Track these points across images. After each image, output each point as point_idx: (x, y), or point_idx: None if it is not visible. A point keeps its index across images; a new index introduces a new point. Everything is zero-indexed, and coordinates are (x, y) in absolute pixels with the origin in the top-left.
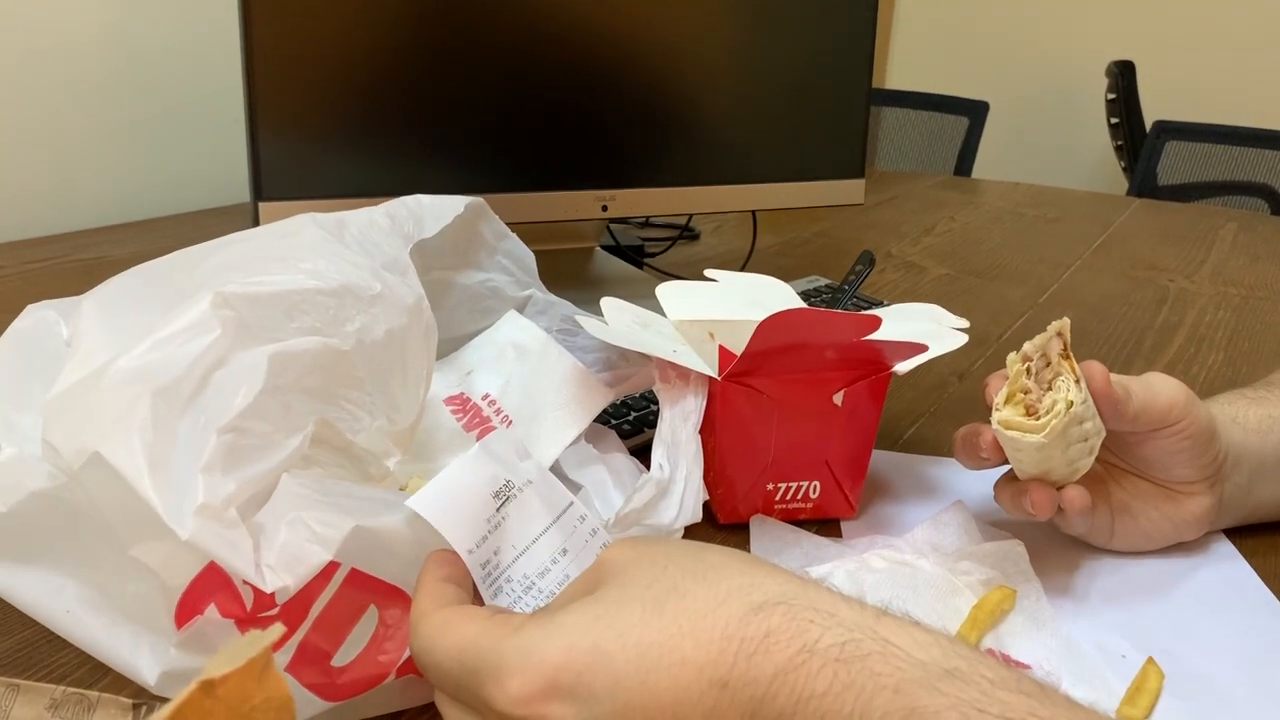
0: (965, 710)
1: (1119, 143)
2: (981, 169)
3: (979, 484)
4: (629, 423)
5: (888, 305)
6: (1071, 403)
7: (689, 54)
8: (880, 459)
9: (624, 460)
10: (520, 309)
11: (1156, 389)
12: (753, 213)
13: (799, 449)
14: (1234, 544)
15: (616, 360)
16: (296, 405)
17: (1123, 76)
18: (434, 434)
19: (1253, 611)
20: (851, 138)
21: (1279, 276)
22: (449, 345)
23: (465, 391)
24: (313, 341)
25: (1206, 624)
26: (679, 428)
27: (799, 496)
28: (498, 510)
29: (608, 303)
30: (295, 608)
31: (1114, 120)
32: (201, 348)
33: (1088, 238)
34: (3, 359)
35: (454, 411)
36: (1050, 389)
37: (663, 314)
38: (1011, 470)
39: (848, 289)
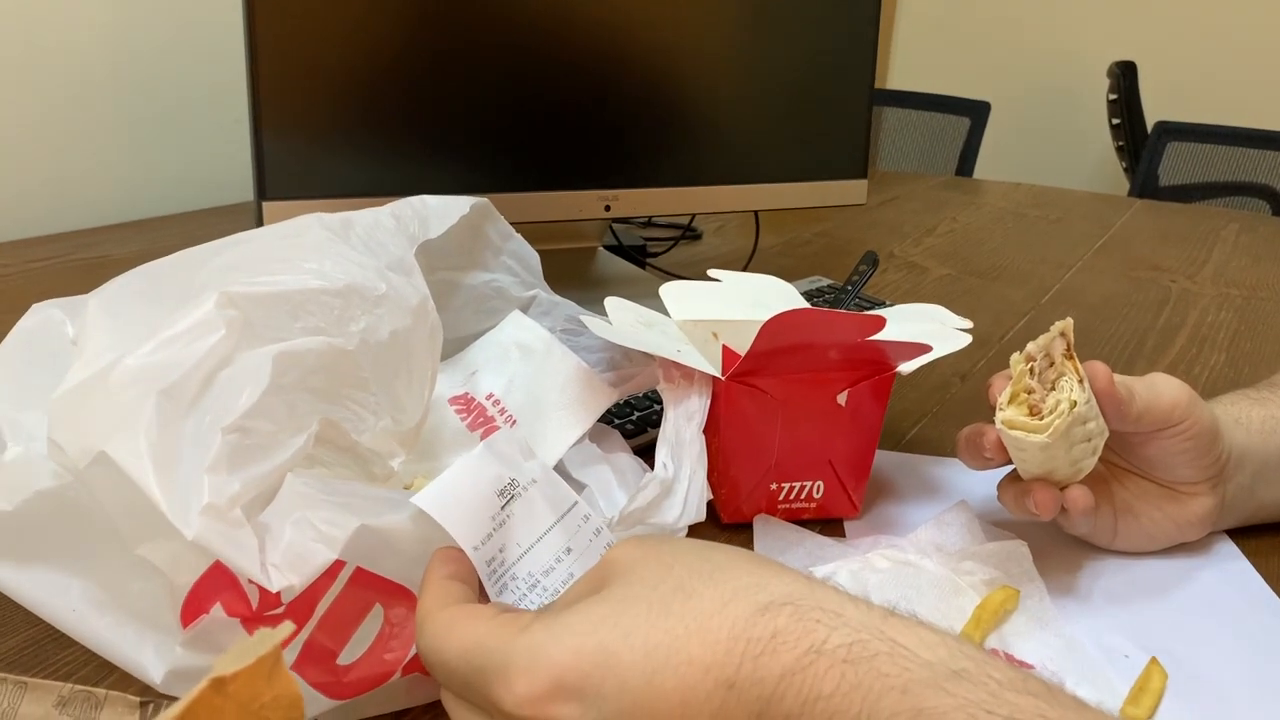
0: (973, 711)
1: (1120, 143)
2: (983, 169)
3: (982, 484)
4: (632, 422)
5: (890, 306)
6: (1075, 403)
7: (692, 54)
8: (883, 459)
9: (628, 460)
10: (525, 309)
11: (1160, 389)
12: (755, 213)
13: (803, 449)
14: (1236, 544)
15: (620, 360)
16: (301, 405)
17: (1124, 77)
18: (438, 434)
19: (1255, 612)
20: (854, 138)
21: None
22: (454, 345)
23: (469, 391)
24: (317, 341)
25: (1209, 624)
26: (683, 427)
27: (802, 496)
28: (502, 508)
29: (612, 302)
30: (301, 606)
31: (1115, 121)
32: (206, 347)
33: (1089, 238)
34: (8, 358)
35: (458, 411)
36: (1054, 389)
37: (666, 314)
38: (1015, 470)
39: (851, 289)
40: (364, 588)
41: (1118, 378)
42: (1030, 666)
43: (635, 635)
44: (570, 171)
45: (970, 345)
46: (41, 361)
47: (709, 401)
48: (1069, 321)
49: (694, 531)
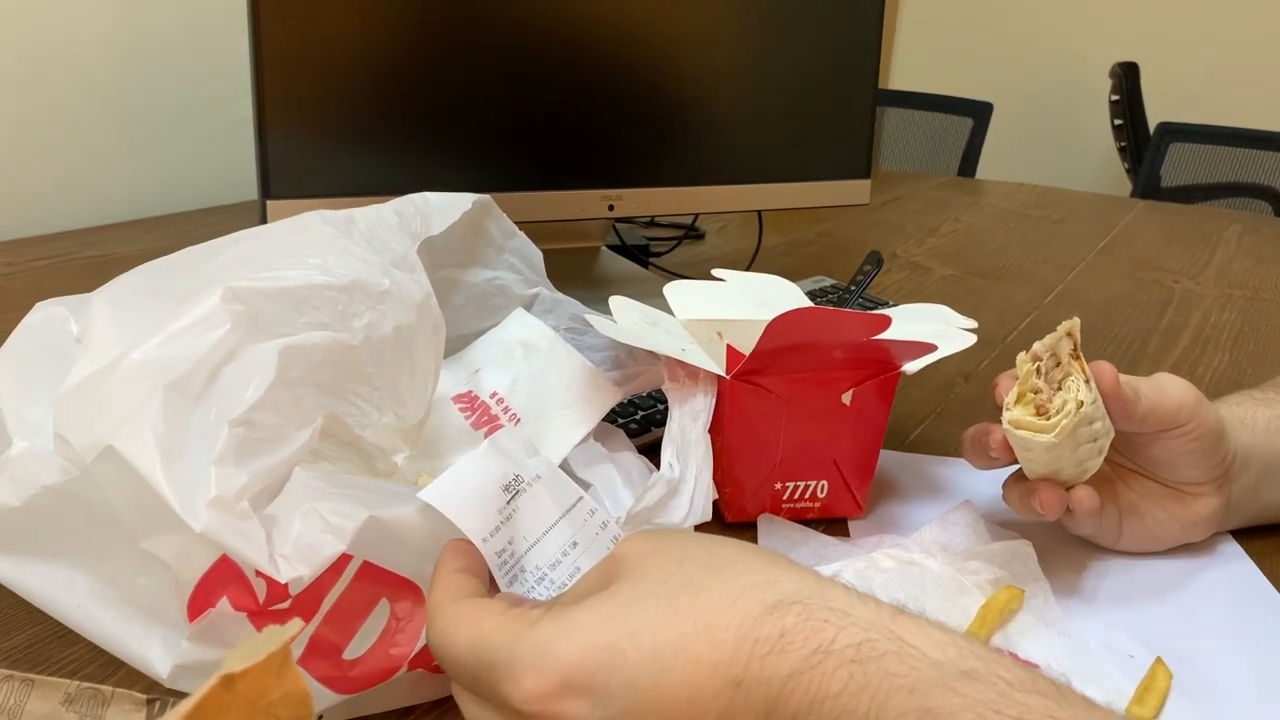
0: (981, 711)
1: (1123, 144)
2: (985, 170)
3: (986, 484)
4: (636, 422)
5: (894, 306)
6: (1082, 403)
7: (696, 54)
8: (887, 459)
9: (633, 459)
10: (528, 307)
11: (1165, 390)
12: (758, 213)
13: (807, 448)
14: (1241, 545)
15: (624, 359)
16: (306, 399)
17: (1127, 78)
18: (442, 432)
19: (1259, 612)
20: (857, 138)
21: None
22: (456, 343)
23: (473, 389)
24: (322, 336)
25: (1213, 624)
26: (688, 427)
27: (807, 496)
28: (508, 503)
29: (616, 301)
30: (307, 601)
31: (1118, 121)
32: (212, 342)
33: (1092, 239)
34: (13, 355)
35: (462, 409)
36: (1060, 389)
37: (670, 313)
38: (1020, 470)
39: (855, 289)
40: (371, 581)
41: (1123, 378)
42: (1035, 666)
43: (643, 633)
44: (574, 171)
45: (974, 345)
46: (46, 358)
47: (714, 401)
48: (1075, 321)
49: (699, 531)
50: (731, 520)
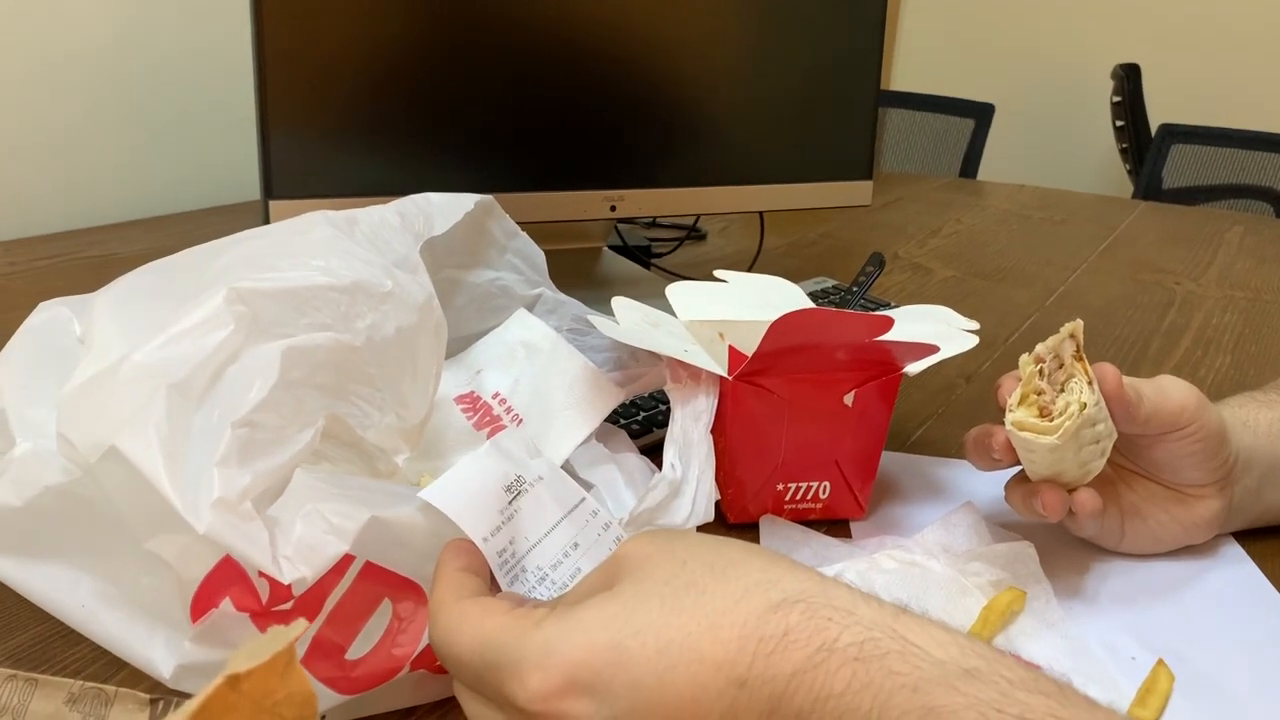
0: (983, 710)
1: (1124, 145)
2: (987, 171)
3: (988, 485)
4: (638, 422)
5: (895, 307)
6: (1085, 404)
7: (698, 55)
8: (889, 460)
9: (635, 460)
10: (530, 308)
11: (1168, 392)
12: (760, 214)
13: (809, 449)
14: (1242, 547)
15: (627, 360)
16: (308, 400)
17: (1128, 79)
18: (444, 432)
19: (1261, 614)
20: (859, 139)
21: None
22: (459, 344)
23: (475, 390)
24: (325, 337)
25: (1215, 626)
26: (690, 427)
27: (809, 497)
28: (510, 503)
29: (619, 302)
30: (310, 601)
31: (1119, 123)
32: (215, 343)
33: (1094, 240)
34: (16, 355)
35: (464, 410)
36: (1063, 391)
37: (673, 314)
38: (1023, 471)
39: (857, 290)
40: (373, 582)
41: (1126, 380)
42: (1037, 668)
43: (648, 632)
44: (576, 172)
45: (975, 347)
46: (49, 359)
47: (716, 402)
48: (1079, 323)
49: (701, 532)
50: (734, 521)
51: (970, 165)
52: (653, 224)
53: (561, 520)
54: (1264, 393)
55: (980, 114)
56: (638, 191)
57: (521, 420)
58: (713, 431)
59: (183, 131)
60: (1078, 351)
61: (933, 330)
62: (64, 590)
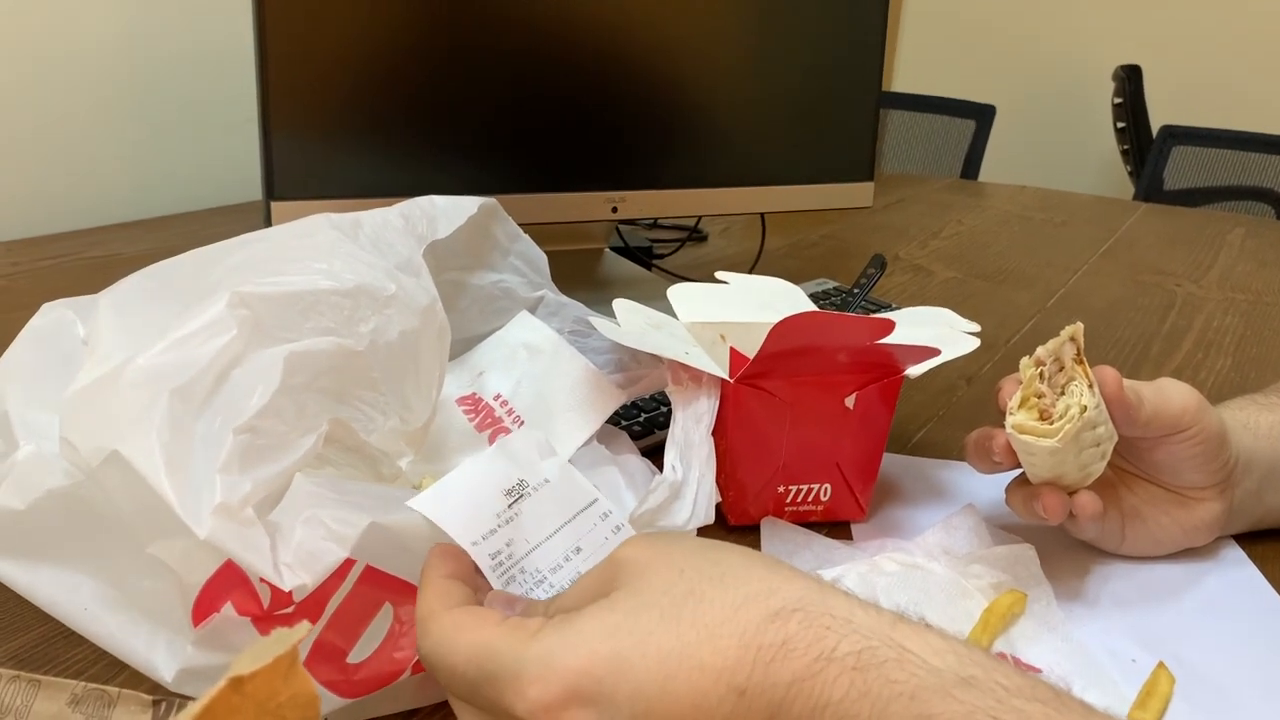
0: (980, 718)
1: (1125, 147)
2: (988, 172)
3: (989, 488)
4: (639, 424)
5: (896, 309)
6: (1085, 407)
7: (700, 57)
8: (890, 462)
9: (636, 462)
10: (532, 310)
11: (1168, 394)
12: (761, 215)
13: (810, 451)
14: (1243, 549)
15: (628, 362)
16: (311, 405)
17: (1129, 81)
18: (446, 434)
19: (1262, 616)
20: (861, 141)
21: None
22: (461, 345)
23: (477, 392)
24: (328, 342)
25: (1216, 629)
26: (691, 429)
27: (810, 499)
28: (509, 506)
29: (620, 304)
30: (311, 605)
31: (1120, 124)
32: (218, 347)
33: (1095, 242)
34: (20, 357)
35: (466, 412)
36: (1064, 393)
37: (674, 316)
38: (1023, 474)
39: (859, 292)
40: (374, 586)
41: (1127, 383)
42: (1038, 670)
43: (649, 642)
44: (578, 173)
45: (976, 349)
46: (53, 361)
47: (717, 404)
48: (1079, 326)
49: (701, 534)
50: (734, 523)
51: (971, 166)
52: (654, 225)
53: (565, 524)
54: (1264, 395)
55: (981, 115)
56: (639, 193)
57: (523, 422)
58: (714, 433)
59: (185, 132)
60: (1078, 354)
61: (934, 332)
62: (66, 593)
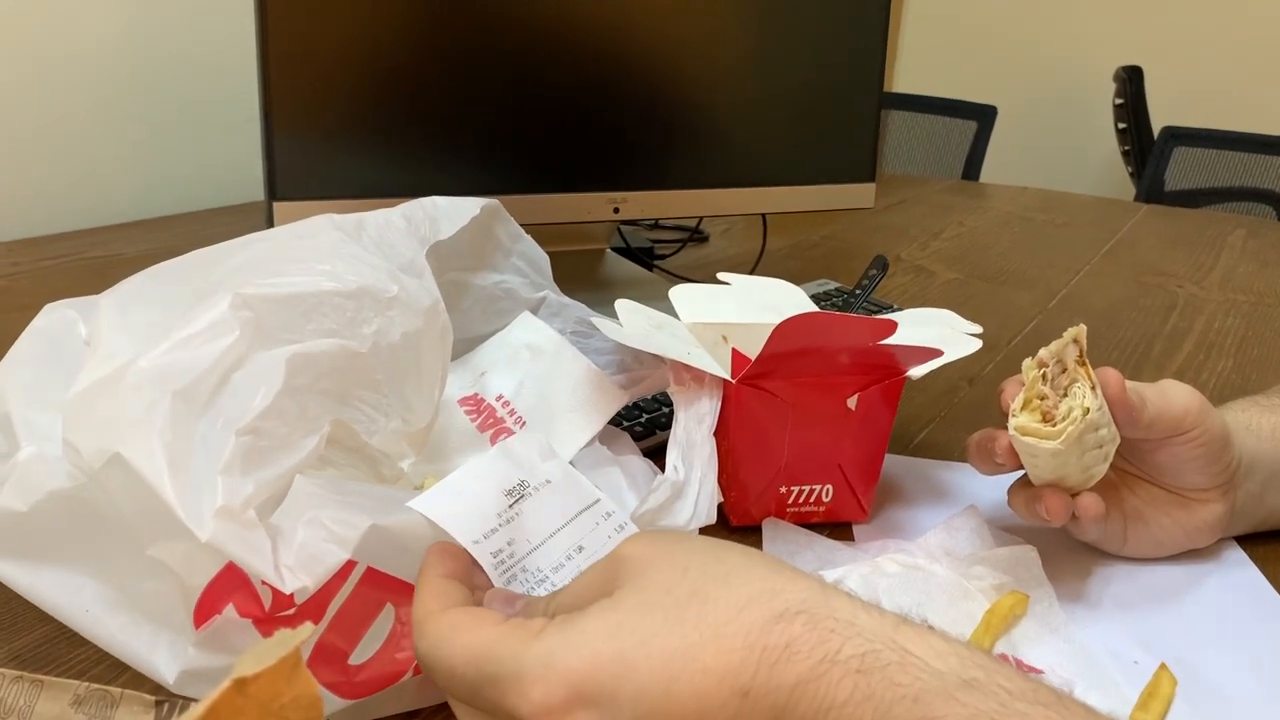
0: None
1: (1126, 148)
2: (989, 173)
3: (990, 489)
4: (641, 425)
5: (898, 310)
6: (1088, 409)
7: (701, 57)
8: (892, 463)
9: (638, 462)
10: (534, 311)
11: (1171, 396)
12: (762, 216)
13: (812, 452)
14: (1245, 551)
15: (630, 362)
16: (313, 407)
17: (1131, 82)
18: (447, 435)
19: (1263, 618)
20: (862, 141)
21: None
22: (463, 346)
23: (479, 392)
24: (330, 343)
25: (1218, 631)
26: (693, 430)
27: (812, 500)
28: (510, 507)
29: (622, 305)
30: (313, 607)
31: (1122, 125)
32: (221, 349)
33: (1096, 243)
34: (21, 358)
35: (468, 412)
36: (1066, 395)
37: (675, 316)
38: (1025, 475)
39: (861, 293)
40: (375, 587)
41: (1129, 384)
42: (1039, 672)
43: (652, 643)
44: (580, 174)
45: (978, 350)
46: (55, 361)
47: (719, 404)
48: (1082, 328)
49: (703, 534)
50: (736, 524)
51: (972, 168)
52: (655, 226)
53: (567, 524)
54: (1267, 397)
55: (983, 116)
56: (641, 193)
57: (525, 422)
58: (716, 434)
59: (187, 132)
60: (1081, 356)
61: (936, 333)
62: (68, 595)
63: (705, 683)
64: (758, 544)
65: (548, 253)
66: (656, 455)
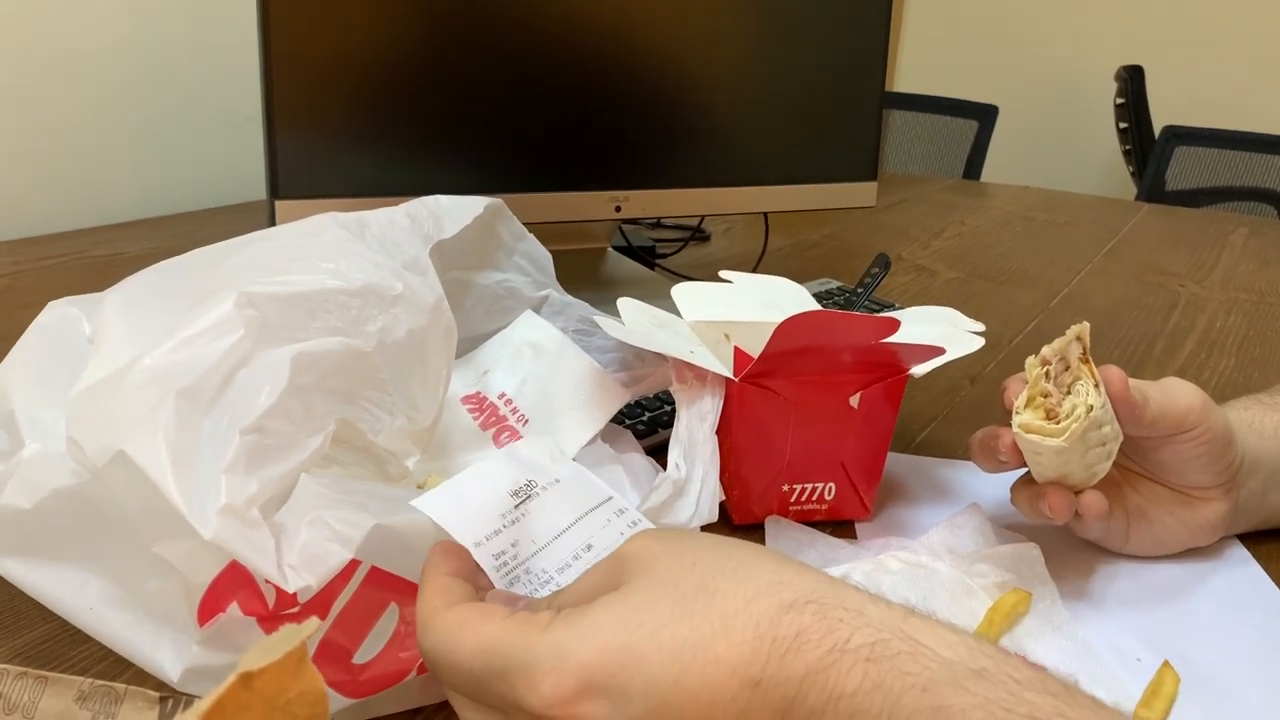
0: (992, 709)
1: (1127, 147)
2: (990, 173)
3: (993, 487)
4: (643, 423)
5: (900, 309)
6: (1091, 407)
7: (703, 56)
8: (894, 461)
9: (640, 460)
10: (537, 309)
11: (1174, 394)
12: (764, 215)
13: (815, 450)
14: (1248, 549)
15: (632, 360)
16: (318, 405)
17: (1132, 81)
18: (450, 433)
19: (1266, 616)
20: (864, 140)
21: None
22: (466, 344)
23: (482, 390)
24: (335, 342)
25: (1221, 628)
26: (695, 428)
27: (814, 498)
28: (516, 507)
29: (624, 303)
30: (317, 606)
31: (1123, 125)
32: (225, 347)
33: (1098, 242)
34: (25, 355)
35: (470, 410)
36: (1069, 393)
37: (678, 315)
38: (1028, 473)
39: (863, 291)
40: (379, 587)
41: (1132, 382)
42: (1044, 669)
43: (663, 634)
44: (582, 172)
45: (980, 348)
46: (59, 359)
47: (722, 402)
48: (1085, 326)
49: (706, 531)
50: (739, 522)
51: (974, 167)
52: (657, 225)
53: (576, 522)
54: (1269, 395)
55: (984, 115)
56: (643, 192)
57: (527, 420)
58: (718, 432)
59: (189, 131)
60: (1084, 354)
61: (938, 331)
62: (72, 592)
63: (716, 673)
64: (760, 542)
65: (550, 251)
66: (659, 453)
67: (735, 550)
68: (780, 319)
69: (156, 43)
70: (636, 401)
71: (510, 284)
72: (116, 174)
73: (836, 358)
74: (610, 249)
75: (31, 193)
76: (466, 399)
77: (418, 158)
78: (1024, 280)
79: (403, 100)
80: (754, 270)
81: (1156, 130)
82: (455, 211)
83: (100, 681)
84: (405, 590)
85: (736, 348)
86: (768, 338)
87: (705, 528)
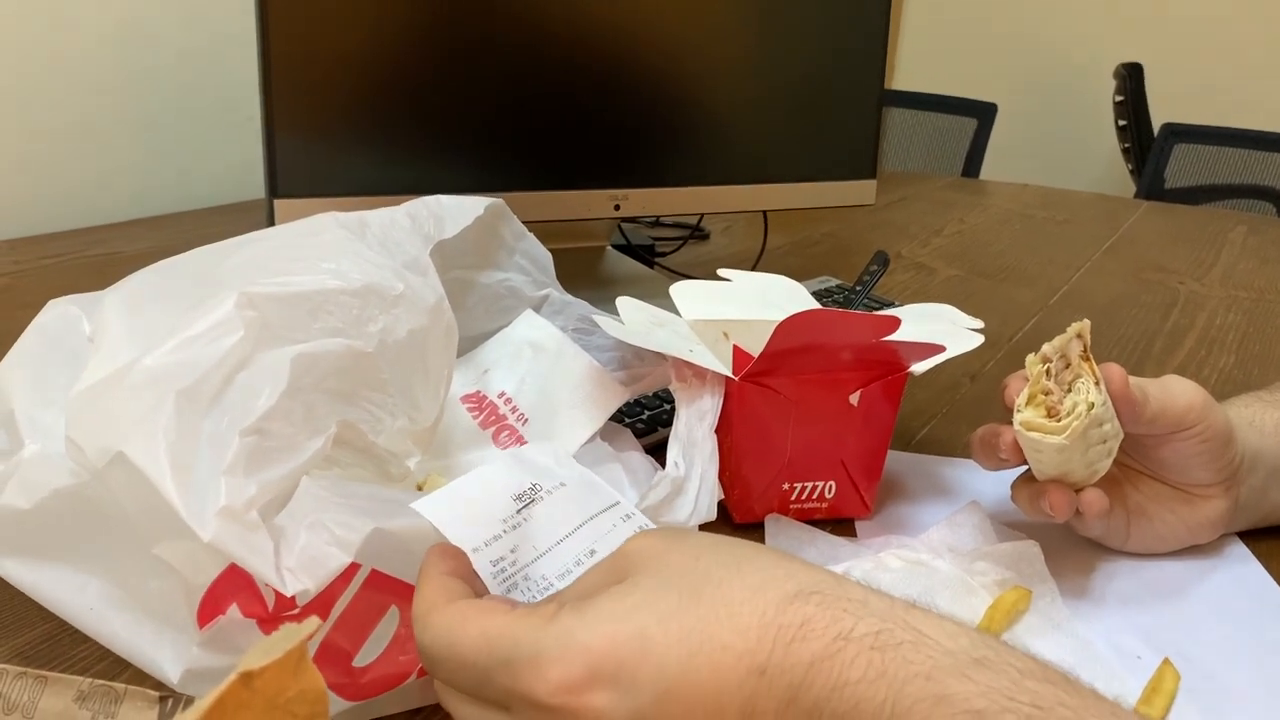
0: (994, 697)
1: (1126, 145)
2: (989, 170)
3: (993, 485)
4: (642, 421)
5: (899, 306)
6: (1092, 404)
7: (703, 55)
8: (894, 459)
9: (640, 459)
10: (537, 308)
11: (1174, 392)
12: (763, 213)
13: (815, 449)
14: (1248, 547)
15: (631, 359)
16: (319, 406)
17: (1131, 79)
18: (450, 432)
19: (1267, 613)
20: (863, 139)
21: None
22: (467, 344)
23: (482, 389)
24: (336, 343)
25: (1221, 626)
26: (695, 426)
27: (814, 496)
28: (518, 512)
29: (624, 302)
30: (317, 608)
31: (1122, 123)
32: (225, 348)
33: (1097, 240)
34: (25, 354)
35: (470, 409)
36: (1070, 390)
37: (677, 313)
38: (1029, 471)
39: (862, 289)
40: (379, 590)
41: (1132, 380)
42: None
43: (670, 622)
44: (581, 171)
45: (979, 346)
46: (59, 358)
47: (721, 401)
48: (1086, 323)
49: (706, 530)
50: (739, 521)
51: (973, 165)
52: (656, 223)
53: (580, 527)
54: (1269, 392)
55: (983, 113)
56: (642, 191)
57: (527, 419)
58: (718, 431)
59: (187, 130)
60: (1085, 351)
61: (937, 329)
62: (72, 593)
63: (724, 661)
64: (760, 540)
65: (549, 250)
66: (658, 452)
67: (737, 547)
68: (779, 317)
69: (155, 42)
70: (636, 400)
71: (511, 283)
72: (115, 173)
73: (836, 356)
74: (609, 247)
75: (30, 192)
76: (466, 398)
77: (416, 156)
78: (1023, 278)
79: (402, 99)
80: (753, 268)
81: (1155, 128)
82: (456, 211)
83: (100, 681)
84: (405, 593)
85: (736, 346)
86: (767, 336)
87: (705, 526)
